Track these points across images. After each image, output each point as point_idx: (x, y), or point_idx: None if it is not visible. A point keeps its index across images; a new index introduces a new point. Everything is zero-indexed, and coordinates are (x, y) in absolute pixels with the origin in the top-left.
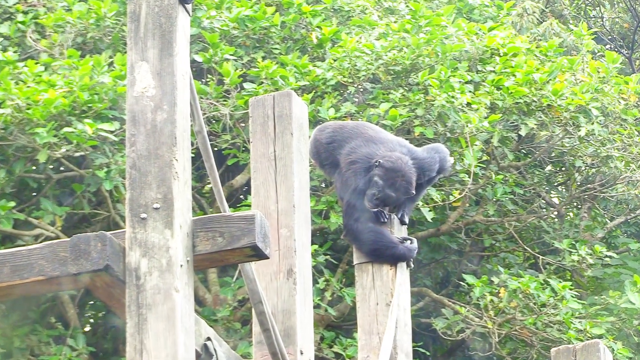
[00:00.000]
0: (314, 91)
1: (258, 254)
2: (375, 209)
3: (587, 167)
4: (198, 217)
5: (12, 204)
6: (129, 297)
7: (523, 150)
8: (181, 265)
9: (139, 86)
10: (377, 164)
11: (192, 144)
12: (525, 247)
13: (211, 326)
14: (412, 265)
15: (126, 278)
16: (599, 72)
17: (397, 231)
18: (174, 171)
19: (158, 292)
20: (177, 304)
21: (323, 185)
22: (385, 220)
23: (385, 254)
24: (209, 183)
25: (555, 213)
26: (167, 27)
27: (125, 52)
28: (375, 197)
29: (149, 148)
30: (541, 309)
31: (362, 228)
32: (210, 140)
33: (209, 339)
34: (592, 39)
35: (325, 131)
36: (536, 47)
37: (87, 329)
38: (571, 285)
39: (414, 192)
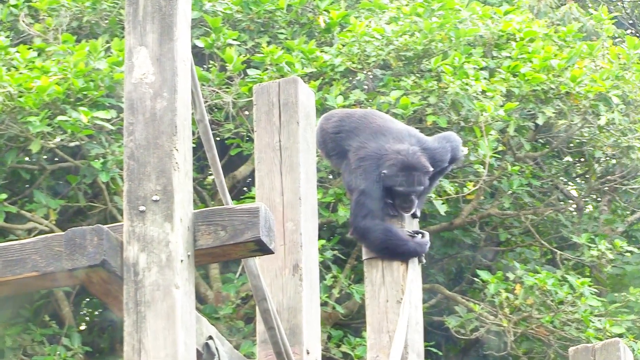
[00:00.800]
0: (322, 78)
1: (262, 249)
2: (389, 209)
3: (607, 158)
4: (199, 209)
5: (4, 196)
6: (126, 294)
7: (540, 140)
8: (182, 261)
9: (138, 72)
10: (387, 163)
11: (194, 133)
12: (542, 242)
13: (213, 324)
14: (424, 261)
15: (124, 274)
16: (619, 58)
17: (408, 225)
18: (174, 162)
19: (157, 289)
20: (177, 301)
21: (331, 176)
22: (396, 214)
23: (396, 252)
24: (211, 174)
25: (574, 206)
26: (167, 10)
27: (123, 37)
28: (394, 203)
29: (147, 137)
30: (559, 306)
31: (370, 226)
32: (212, 130)
33: (210, 337)
34: (613, 23)
35: (332, 120)
36: (554, 32)
37: (83, 327)
38: (590, 282)
39: (427, 183)
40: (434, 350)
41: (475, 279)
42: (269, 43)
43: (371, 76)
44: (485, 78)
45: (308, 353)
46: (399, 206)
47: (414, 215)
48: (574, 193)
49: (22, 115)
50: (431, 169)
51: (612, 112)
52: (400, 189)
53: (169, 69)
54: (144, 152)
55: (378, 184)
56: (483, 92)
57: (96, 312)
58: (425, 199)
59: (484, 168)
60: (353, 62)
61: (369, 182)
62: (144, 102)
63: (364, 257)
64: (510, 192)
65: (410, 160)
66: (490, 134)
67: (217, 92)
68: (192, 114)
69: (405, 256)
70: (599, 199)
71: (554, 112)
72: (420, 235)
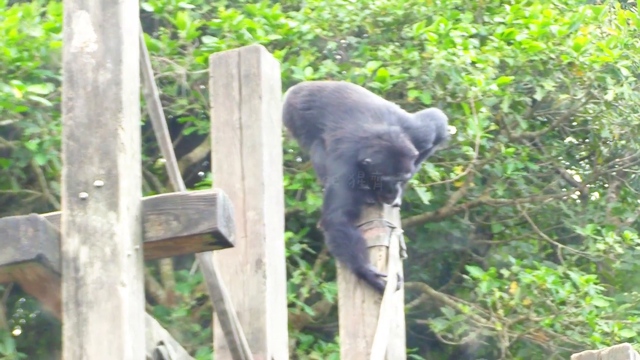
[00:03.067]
0: (288, 47)
1: (220, 241)
2: (362, 192)
3: (615, 139)
4: (149, 197)
5: None
6: (66, 293)
7: (539, 118)
8: (128, 255)
9: (78, 40)
10: (370, 150)
11: (142, 110)
12: (541, 234)
13: (165, 327)
14: (405, 256)
15: (63, 270)
16: (628, 24)
17: (388, 215)
18: (120, 142)
19: (101, 287)
20: (123, 301)
21: (299, 159)
22: (374, 202)
23: (347, 263)
24: (162, 157)
25: (577, 193)
26: None
27: (61, 0)
28: (375, 191)
29: (89, 114)
30: (560, 307)
31: (335, 221)
32: (163, 106)
33: (162, 343)
34: None
35: (300, 94)
36: None
37: (17, 332)
38: (596, 279)
39: (414, 169)
40: (418, 357)
41: (464, 276)
42: (227, 7)
43: (344, 45)
44: (475, 47)
45: None
46: (381, 196)
47: (395, 205)
48: (578, 178)
49: None
50: (416, 153)
51: (621, 85)
52: (386, 178)
53: (113, 36)
54: (85, 131)
55: (356, 171)
56: (472, 63)
57: (32, 314)
58: (405, 186)
59: (474, 150)
60: (323, 29)
61: (346, 169)
62: (85, 74)
63: None
64: (504, 177)
65: (395, 146)
66: (481, 111)
67: (169, 63)
68: (140, 88)
69: (357, 274)
70: (605, 185)
71: (554, 86)
72: (386, 278)
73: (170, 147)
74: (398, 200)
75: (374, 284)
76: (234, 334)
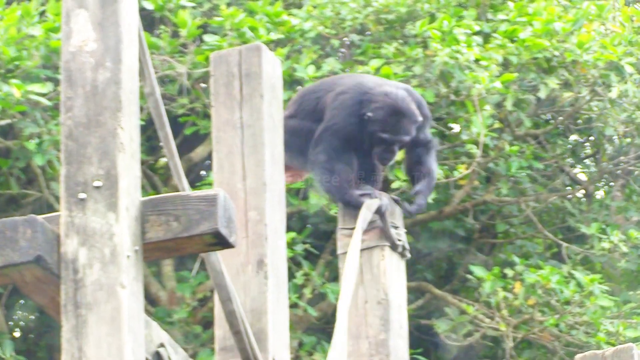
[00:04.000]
0: (290, 45)
1: (221, 242)
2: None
3: (620, 136)
4: (149, 197)
5: None
6: (65, 295)
7: (543, 116)
8: (128, 256)
9: (77, 39)
10: (373, 105)
11: (142, 109)
12: (546, 233)
13: (166, 329)
14: (408, 255)
15: (61, 272)
16: (632, 20)
17: (391, 215)
18: (119, 142)
19: (100, 289)
20: (123, 303)
21: None
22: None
23: (335, 199)
24: (163, 156)
25: (582, 192)
26: None
27: None
28: (383, 155)
29: (88, 114)
30: (565, 307)
31: (321, 159)
32: (164, 105)
33: (162, 345)
34: None
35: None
36: None
37: (17, 334)
38: (601, 279)
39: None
40: (421, 358)
41: (468, 276)
42: (228, 5)
43: (347, 42)
44: (478, 44)
45: None
46: (379, 156)
47: (411, 212)
48: (582, 177)
49: None
50: (420, 118)
51: (625, 82)
52: (384, 136)
53: (112, 35)
54: (84, 131)
55: (355, 123)
56: (476, 60)
57: (32, 317)
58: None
59: (478, 148)
60: (326, 27)
61: (344, 116)
62: (83, 74)
63: (339, 251)
64: (508, 176)
65: (400, 105)
66: (485, 109)
67: (170, 62)
68: (141, 87)
69: (342, 203)
70: (610, 183)
71: (558, 84)
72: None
73: (173, 145)
74: (420, 202)
75: (357, 204)
76: (242, 334)
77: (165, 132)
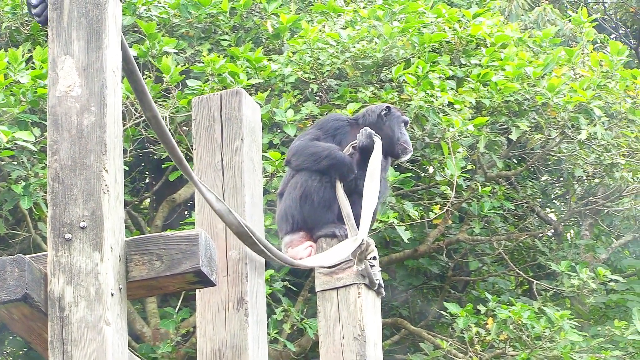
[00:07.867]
0: (270, 89)
1: (202, 281)
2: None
3: (588, 177)
4: (132, 237)
5: None
6: (51, 332)
7: (514, 158)
8: (112, 294)
9: (63, 84)
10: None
11: (125, 152)
12: (518, 271)
13: None
14: (384, 293)
15: (48, 309)
16: (601, 65)
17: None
18: (104, 184)
19: (85, 326)
20: (107, 340)
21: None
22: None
23: (322, 164)
24: (147, 198)
25: (552, 231)
26: (95, 15)
27: (47, 45)
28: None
29: (74, 157)
30: (536, 342)
31: (305, 140)
32: (147, 149)
33: None
34: (593, 27)
35: None
36: (529, 37)
37: None
38: (570, 314)
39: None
40: None
41: (442, 312)
42: (210, 51)
43: (325, 87)
44: (452, 88)
45: None
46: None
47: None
48: (552, 216)
49: None
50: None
51: (594, 125)
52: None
53: (97, 80)
54: (69, 174)
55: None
56: (450, 104)
57: (20, 352)
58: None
59: (452, 189)
60: (305, 72)
61: (324, 131)
62: (69, 118)
63: (317, 289)
64: (481, 215)
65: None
66: (458, 151)
67: None
68: (124, 130)
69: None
70: (579, 222)
71: (529, 126)
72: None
73: (180, 155)
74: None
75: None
76: None
77: (172, 145)
